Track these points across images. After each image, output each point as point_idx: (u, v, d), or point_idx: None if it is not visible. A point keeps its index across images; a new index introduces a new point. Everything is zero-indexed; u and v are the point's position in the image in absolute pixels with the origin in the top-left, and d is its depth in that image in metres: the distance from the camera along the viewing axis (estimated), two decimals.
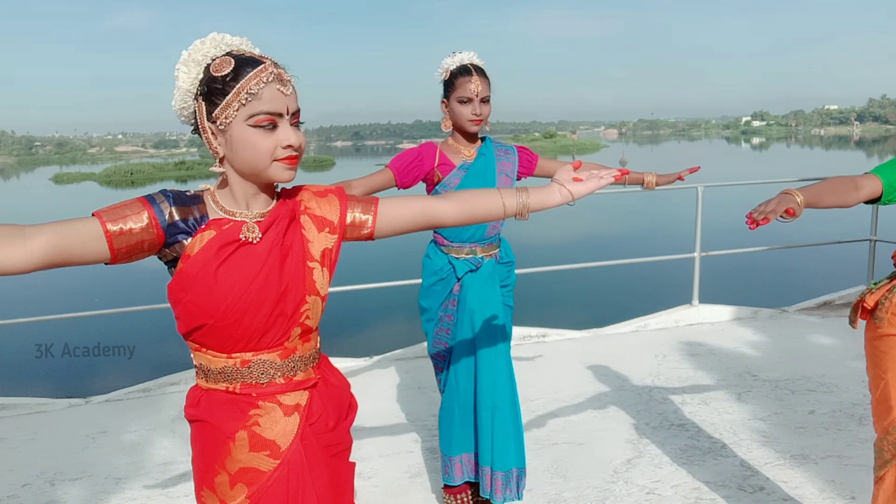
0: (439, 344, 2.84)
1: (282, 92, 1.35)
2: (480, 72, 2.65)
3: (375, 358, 4.95)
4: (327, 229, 1.49)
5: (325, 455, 1.51)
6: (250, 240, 1.40)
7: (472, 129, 2.68)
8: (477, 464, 2.74)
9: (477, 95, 2.62)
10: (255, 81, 1.33)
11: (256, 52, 1.41)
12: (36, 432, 3.92)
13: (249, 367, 1.43)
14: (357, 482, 3.17)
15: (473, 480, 2.80)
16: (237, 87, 1.33)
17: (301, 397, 1.48)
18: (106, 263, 1.34)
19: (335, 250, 1.51)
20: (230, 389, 1.44)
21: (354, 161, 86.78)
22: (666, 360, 4.71)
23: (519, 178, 2.87)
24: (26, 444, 3.76)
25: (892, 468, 2.02)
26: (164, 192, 1.41)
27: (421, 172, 2.72)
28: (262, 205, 1.45)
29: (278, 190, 1.51)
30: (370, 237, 1.55)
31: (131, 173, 54.73)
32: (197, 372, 1.48)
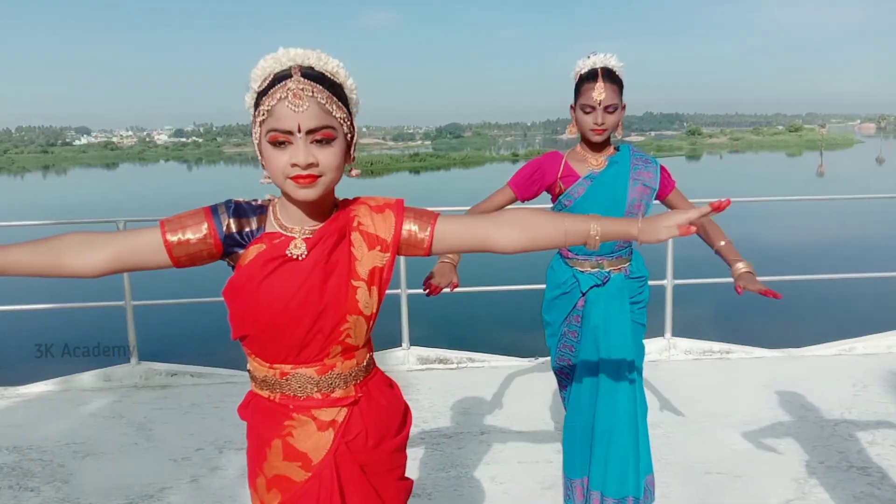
0: (562, 361, 2.72)
1: (292, 109, 1.32)
2: (609, 77, 2.45)
3: (539, 360, 4.88)
4: (379, 247, 1.47)
5: (362, 473, 1.50)
6: (295, 256, 1.41)
7: (595, 138, 2.51)
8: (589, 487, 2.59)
9: (600, 104, 2.43)
10: (271, 99, 1.33)
11: (328, 66, 1.39)
12: (222, 401, 4.36)
13: (288, 380, 1.46)
14: (487, 485, 3.17)
15: None
16: (261, 103, 1.35)
17: (338, 414, 1.48)
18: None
19: (387, 268, 1.48)
20: (271, 398, 1.48)
21: None
22: (865, 391, 4.13)
23: (659, 198, 2.64)
24: (211, 412, 4.20)
25: None
26: (227, 203, 1.46)
27: (542, 185, 2.59)
28: (315, 220, 1.45)
29: (337, 204, 1.50)
30: (426, 254, 1.52)
31: (371, 164, 58.56)
32: (249, 376, 1.54)
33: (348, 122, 1.41)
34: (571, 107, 2.54)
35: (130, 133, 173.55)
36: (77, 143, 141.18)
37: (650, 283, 5.04)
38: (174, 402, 4.37)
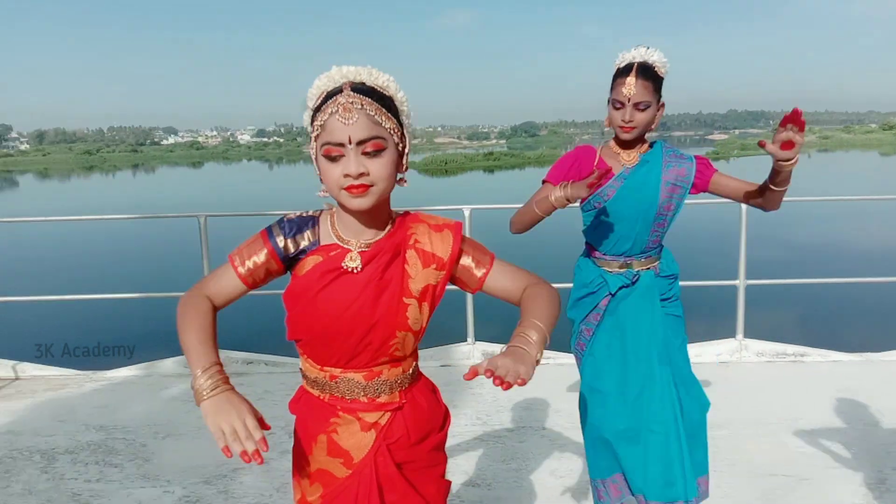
0: (581, 358, 2.63)
1: (342, 122, 1.38)
2: (644, 73, 2.34)
3: None
4: (434, 265, 1.51)
5: (400, 471, 1.56)
6: (350, 269, 1.47)
7: (622, 136, 2.42)
8: (629, 488, 2.53)
9: (629, 100, 2.33)
10: (324, 114, 1.40)
11: (378, 80, 1.44)
12: (293, 389, 4.43)
13: (336, 383, 1.53)
14: (546, 478, 3.22)
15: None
16: (315, 119, 1.42)
17: (381, 417, 1.54)
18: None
19: (440, 286, 1.53)
20: (321, 397, 1.57)
21: None
22: None
23: (695, 192, 2.53)
24: (282, 399, 4.33)
25: None
26: (280, 223, 1.52)
27: (579, 178, 2.44)
28: (372, 233, 1.50)
29: (393, 217, 1.55)
30: (473, 291, 1.58)
31: (446, 163, 58.73)
32: (301, 374, 1.62)
33: (399, 133, 1.46)
34: (608, 100, 2.45)
35: (215, 133, 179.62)
36: (165, 142, 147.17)
37: (721, 282, 5.00)
38: (248, 388, 4.56)
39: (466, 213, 4.77)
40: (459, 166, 57.21)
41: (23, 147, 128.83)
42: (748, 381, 4.39)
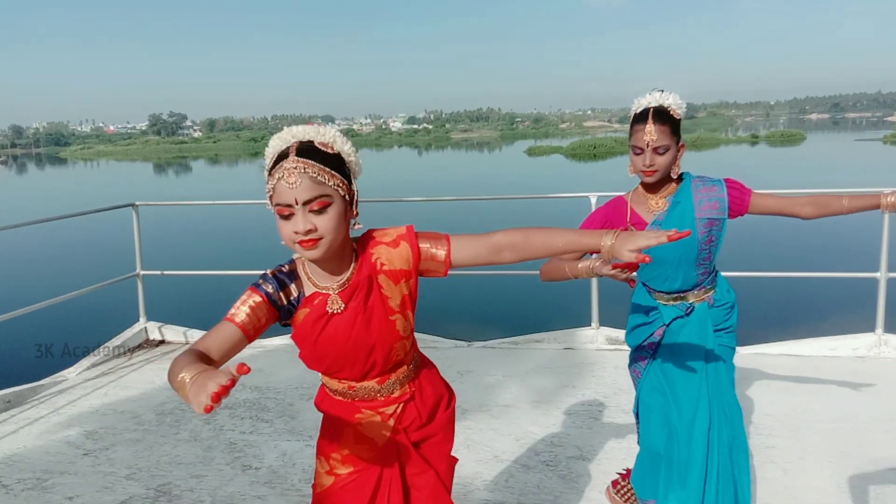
0: (638, 383, 2.69)
1: (288, 186, 1.54)
2: (660, 117, 2.36)
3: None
4: (403, 279, 1.70)
5: (416, 448, 1.82)
6: (335, 311, 1.66)
7: (645, 179, 2.43)
8: None
9: (648, 146, 2.35)
10: (273, 178, 1.58)
11: (324, 138, 1.62)
12: (455, 361, 4.73)
13: (355, 390, 1.78)
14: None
15: None
16: (268, 181, 1.60)
17: (397, 408, 1.80)
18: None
19: (413, 290, 1.72)
20: (343, 400, 1.81)
21: (830, 136, 78.34)
22: None
23: (733, 217, 2.48)
24: (446, 367, 4.70)
25: None
26: (265, 278, 1.69)
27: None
28: (342, 269, 1.68)
29: (355, 248, 1.71)
30: (444, 272, 1.72)
31: (594, 147, 57.47)
32: (323, 383, 1.86)
33: (345, 186, 1.61)
34: (629, 145, 2.47)
35: (368, 121, 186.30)
36: None
37: (860, 274, 4.81)
38: None
39: (593, 201, 4.85)
40: (609, 150, 55.78)
41: (196, 135, 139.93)
42: (884, 377, 4.22)
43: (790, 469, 3.21)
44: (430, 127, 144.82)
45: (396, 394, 1.79)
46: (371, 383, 1.76)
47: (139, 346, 5.46)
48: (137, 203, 5.61)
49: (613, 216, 2.51)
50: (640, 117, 2.37)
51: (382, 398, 1.78)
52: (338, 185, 1.59)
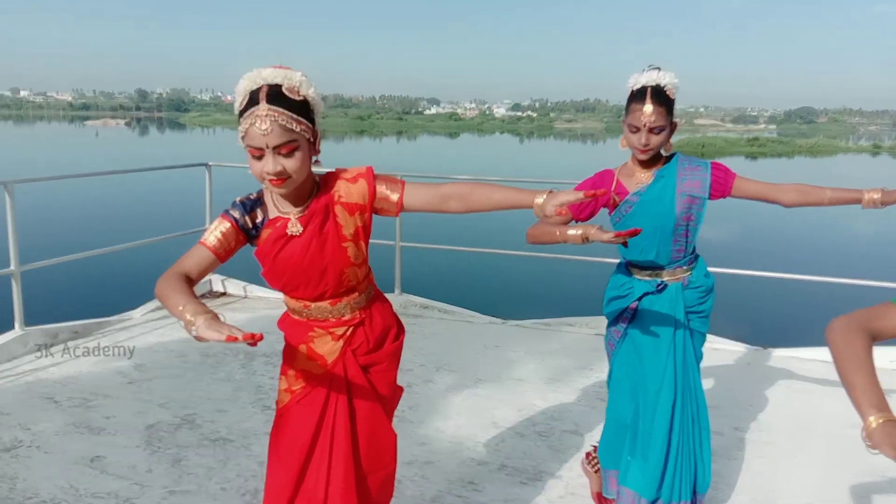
0: (611, 357, 2.78)
1: (260, 133, 1.70)
2: (658, 98, 2.43)
3: (768, 350, 4.80)
4: (358, 212, 1.89)
5: (364, 372, 2.02)
6: (294, 234, 1.85)
7: (640, 157, 2.52)
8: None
9: (645, 125, 2.42)
10: (245, 122, 1.72)
11: (291, 83, 1.74)
12: (457, 334, 5.08)
13: (310, 310, 1.98)
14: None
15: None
16: (240, 122, 1.75)
17: (347, 330, 1.99)
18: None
19: (368, 223, 1.91)
20: (300, 319, 2.02)
21: None
22: None
23: (715, 198, 2.56)
24: (443, 341, 4.93)
25: None
26: (234, 205, 1.88)
27: (597, 205, 2.61)
28: (303, 199, 1.86)
29: (318, 181, 1.89)
30: (396, 213, 1.91)
31: (703, 146, 55.64)
32: (284, 302, 2.06)
33: (310, 130, 1.78)
34: (622, 121, 2.55)
35: (473, 105, 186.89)
36: (427, 112, 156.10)
37: None
38: (419, 328, 5.17)
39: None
40: (718, 151, 53.89)
41: None
42: None
43: (780, 465, 3.24)
44: (534, 115, 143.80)
45: (347, 317, 1.98)
46: (324, 304, 1.96)
47: (202, 296, 5.90)
48: (210, 163, 6.05)
49: (600, 185, 2.62)
50: (638, 96, 2.45)
51: (334, 319, 1.98)
52: (304, 130, 1.76)
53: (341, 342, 1.99)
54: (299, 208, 1.87)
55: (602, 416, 3.68)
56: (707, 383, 3.99)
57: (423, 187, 1.91)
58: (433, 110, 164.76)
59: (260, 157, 1.74)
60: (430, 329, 5.18)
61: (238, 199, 1.90)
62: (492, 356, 4.63)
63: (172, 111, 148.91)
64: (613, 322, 2.74)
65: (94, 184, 19.04)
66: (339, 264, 1.89)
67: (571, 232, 2.28)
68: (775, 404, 3.91)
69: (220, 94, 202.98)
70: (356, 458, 2.00)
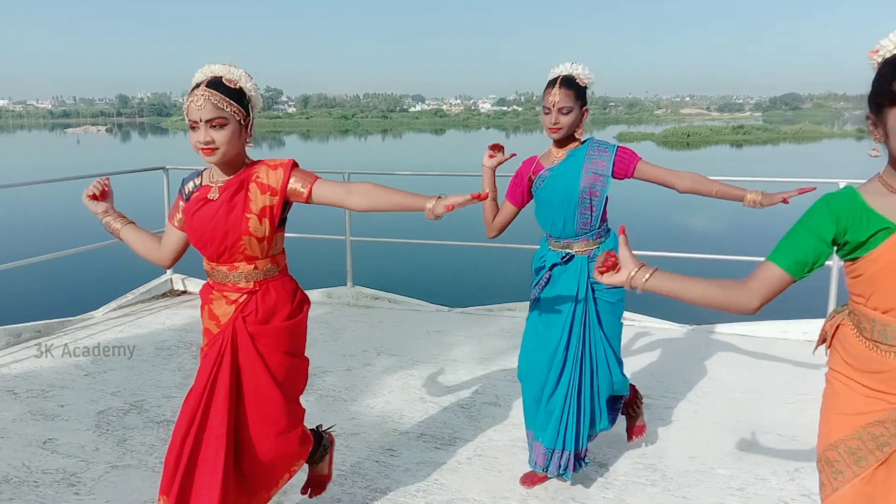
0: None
1: (195, 107, 2.12)
2: (567, 83, 2.78)
3: (691, 327, 5.13)
4: (269, 193, 2.22)
5: (252, 340, 2.28)
6: (212, 199, 2.23)
7: (551, 136, 2.85)
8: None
9: (554, 106, 2.77)
10: (187, 100, 2.16)
11: (230, 76, 2.17)
12: (403, 322, 5.37)
13: (214, 272, 2.31)
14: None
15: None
16: (185, 102, 2.19)
17: (240, 297, 2.28)
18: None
19: (276, 207, 2.22)
20: (207, 281, 2.37)
21: None
22: None
23: (618, 178, 2.89)
24: (389, 328, 5.23)
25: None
26: (183, 179, 2.35)
27: (523, 187, 2.94)
28: (228, 175, 2.25)
29: (247, 163, 2.27)
30: (305, 201, 2.24)
31: (688, 135, 55.88)
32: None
33: (241, 113, 2.17)
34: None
35: (458, 102, 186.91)
36: (412, 109, 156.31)
37: None
38: (367, 318, 5.48)
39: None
40: (703, 139, 54.16)
41: (290, 110, 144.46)
42: (818, 358, 4.42)
43: (674, 425, 3.55)
44: (520, 109, 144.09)
45: (241, 285, 2.28)
46: (224, 268, 2.27)
47: (163, 295, 6.18)
48: (168, 167, 6.32)
49: (523, 170, 2.98)
50: (551, 83, 2.80)
51: (230, 284, 2.28)
52: (234, 112, 2.15)
53: (234, 307, 2.28)
54: (224, 180, 2.24)
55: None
56: (632, 359, 4.30)
57: (333, 184, 2.25)
58: (418, 107, 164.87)
59: (195, 129, 2.13)
60: (377, 318, 5.48)
61: (184, 178, 2.36)
62: (432, 340, 4.93)
63: (154, 116, 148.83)
64: (534, 287, 3.04)
65: (61, 189, 19.27)
66: (239, 231, 2.20)
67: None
68: (685, 374, 4.22)
69: None
70: (239, 411, 2.29)
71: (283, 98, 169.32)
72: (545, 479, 2.99)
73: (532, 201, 2.98)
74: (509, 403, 3.82)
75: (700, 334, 5.01)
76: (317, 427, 2.74)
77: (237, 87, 2.17)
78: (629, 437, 3.21)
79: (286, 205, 2.27)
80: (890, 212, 1.57)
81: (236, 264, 2.26)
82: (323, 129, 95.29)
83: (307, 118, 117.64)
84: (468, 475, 3.09)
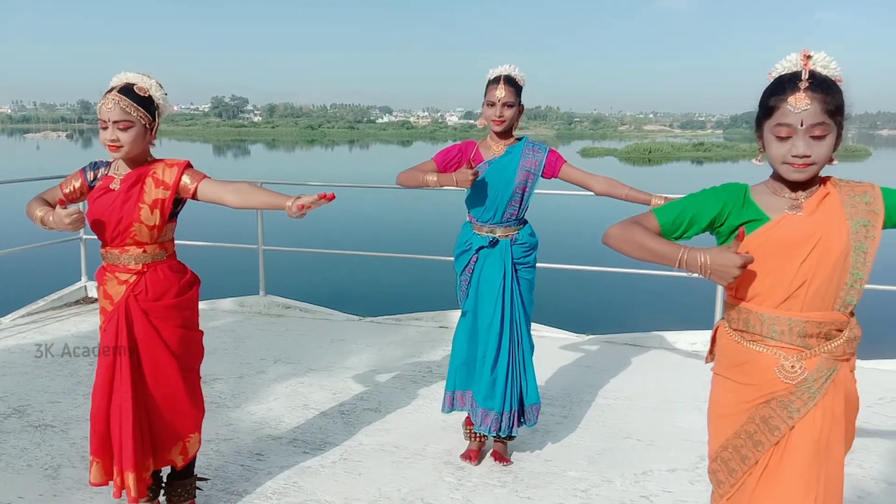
0: (462, 301, 3.36)
1: (105, 109, 2.42)
2: (508, 81, 3.12)
3: (589, 337, 5.29)
4: (162, 187, 2.53)
5: (145, 316, 2.57)
6: (112, 189, 2.54)
7: (495, 128, 3.18)
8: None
9: (499, 100, 3.10)
10: (99, 103, 2.45)
11: (141, 84, 2.48)
12: (310, 330, 5.45)
13: (107, 254, 2.59)
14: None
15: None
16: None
17: (130, 278, 2.56)
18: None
19: (168, 201, 2.53)
20: (102, 264, 2.62)
21: None
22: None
23: (546, 177, 3.24)
24: (294, 337, 5.31)
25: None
26: (90, 164, 2.65)
27: (459, 164, 3.22)
28: (130, 168, 2.56)
29: (150, 160, 2.59)
30: (192, 197, 2.56)
31: (649, 151, 56.69)
32: None
33: (147, 118, 2.48)
34: (483, 103, 3.19)
35: (426, 114, 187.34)
36: (380, 121, 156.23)
37: None
38: (275, 327, 5.55)
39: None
40: (664, 156, 54.96)
41: (256, 119, 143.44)
42: (702, 369, 4.60)
43: (539, 431, 3.67)
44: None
45: (131, 266, 2.56)
46: (115, 251, 2.55)
47: (76, 302, 6.18)
48: None
49: (463, 152, 3.27)
50: (494, 80, 3.13)
51: (121, 266, 2.56)
52: (140, 117, 2.46)
53: (124, 287, 2.55)
54: (125, 173, 2.54)
55: (409, 395, 4.15)
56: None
57: (217, 183, 2.55)
58: (385, 118, 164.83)
59: (105, 129, 2.44)
60: (285, 327, 5.55)
61: (95, 160, 2.64)
62: (334, 349, 5.02)
63: None
64: (461, 274, 3.32)
65: None
66: (131, 218, 2.49)
67: (442, 180, 3.09)
68: (565, 381, 4.37)
69: None
70: (140, 375, 2.59)
71: (249, 107, 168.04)
72: (479, 451, 3.37)
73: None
74: (389, 409, 3.93)
75: (592, 344, 5.17)
76: (195, 474, 2.94)
77: (147, 94, 2.47)
78: (494, 456, 3.40)
79: (178, 200, 2.57)
80: (767, 207, 1.78)
81: (127, 248, 2.54)
82: (289, 138, 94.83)
83: (273, 127, 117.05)
84: (327, 478, 3.19)
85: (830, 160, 1.76)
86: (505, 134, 3.21)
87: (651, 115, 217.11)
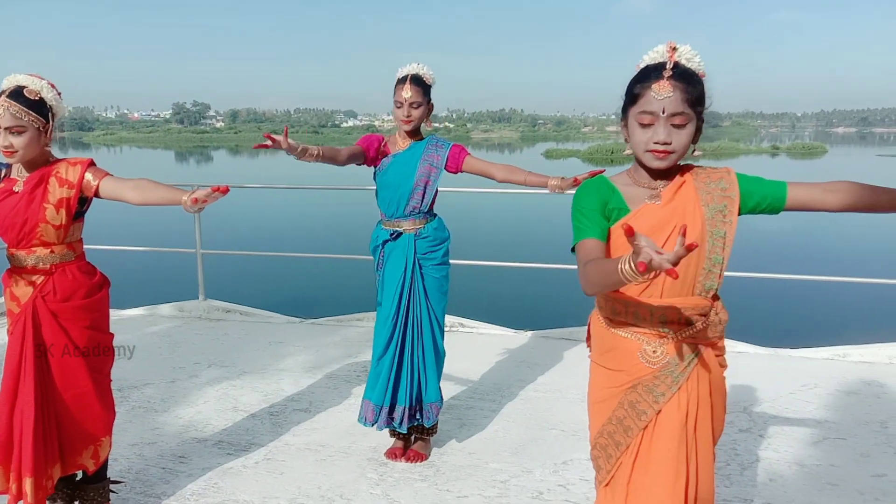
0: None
1: None
2: (415, 81, 3.15)
3: (527, 333, 5.34)
4: (66, 186, 2.54)
5: (53, 317, 2.55)
6: (16, 191, 2.55)
7: (404, 127, 3.24)
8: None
9: (406, 100, 3.15)
10: None
11: (32, 86, 2.46)
12: (250, 334, 5.42)
13: (13, 257, 2.58)
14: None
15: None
16: None
17: (38, 279, 2.56)
18: None
19: (73, 199, 2.53)
20: (9, 267, 2.62)
21: (853, 150, 77.41)
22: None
23: (450, 171, 3.29)
24: (232, 341, 5.27)
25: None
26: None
27: (371, 150, 3.24)
28: (31, 170, 2.57)
29: (51, 161, 2.59)
30: (94, 194, 2.56)
31: (612, 152, 57.06)
32: None
33: (40, 122, 2.47)
34: (394, 101, 3.23)
35: (390, 118, 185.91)
36: (344, 125, 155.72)
37: None
38: (214, 331, 5.50)
39: None
40: (628, 157, 55.36)
41: (218, 125, 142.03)
42: None
43: (467, 425, 3.72)
44: (451, 126, 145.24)
45: (39, 267, 2.56)
46: (22, 253, 2.55)
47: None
48: None
49: (375, 141, 3.28)
50: (402, 81, 3.16)
51: (29, 267, 2.55)
52: (33, 120, 2.44)
53: (31, 288, 2.55)
54: (27, 175, 2.55)
55: (342, 394, 4.16)
56: (454, 364, 4.47)
57: (119, 180, 2.53)
58: (350, 123, 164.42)
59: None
60: (224, 331, 5.51)
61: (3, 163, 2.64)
62: (270, 351, 5.00)
63: (76, 130, 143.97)
64: (376, 269, 3.35)
65: None
66: (36, 219, 2.50)
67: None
68: (498, 376, 4.42)
69: (126, 110, 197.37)
70: (47, 377, 2.58)
71: (211, 112, 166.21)
72: (404, 448, 3.40)
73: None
74: (319, 409, 3.94)
75: (527, 340, 5.22)
76: (108, 477, 2.92)
77: (38, 97, 2.45)
78: (406, 456, 3.38)
79: (83, 199, 2.56)
80: (629, 198, 1.84)
81: (34, 248, 2.54)
82: (252, 143, 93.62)
83: (236, 133, 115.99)
84: (248, 478, 3.18)
85: (693, 151, 1.81)
86: (413, 133, 3.27)
87: (613, 116, 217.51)
